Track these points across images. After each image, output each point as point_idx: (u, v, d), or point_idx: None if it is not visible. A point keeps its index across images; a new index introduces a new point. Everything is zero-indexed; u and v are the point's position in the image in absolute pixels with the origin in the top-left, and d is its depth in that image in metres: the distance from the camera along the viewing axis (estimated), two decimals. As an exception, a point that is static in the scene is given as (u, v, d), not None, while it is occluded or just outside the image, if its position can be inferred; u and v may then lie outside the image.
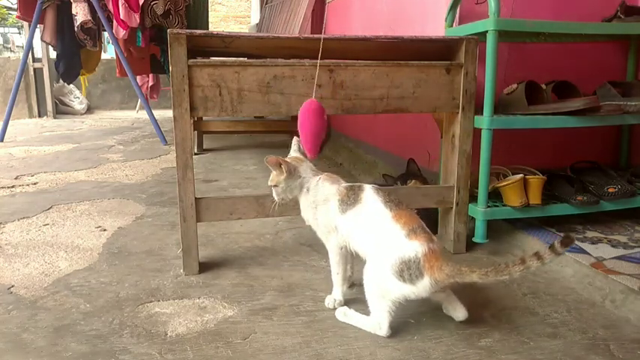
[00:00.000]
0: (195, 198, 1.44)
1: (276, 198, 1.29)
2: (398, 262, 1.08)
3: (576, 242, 1.59)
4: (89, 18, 3.89)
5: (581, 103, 1.58)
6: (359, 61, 1.48)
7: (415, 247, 1.08)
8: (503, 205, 1.65)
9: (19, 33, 10.26)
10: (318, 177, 1.28)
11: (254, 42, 1.60)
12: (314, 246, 1.69)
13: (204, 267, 1.52)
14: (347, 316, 1.20)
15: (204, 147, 3.67)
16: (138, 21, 3.82)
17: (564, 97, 1.73)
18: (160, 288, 1.38)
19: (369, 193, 1.21)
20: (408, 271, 1.07)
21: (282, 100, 1.43)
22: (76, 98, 6.62)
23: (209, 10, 4.98)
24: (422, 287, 1.08)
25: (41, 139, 4.23)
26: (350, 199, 1.21)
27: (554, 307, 1.29)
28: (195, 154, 3.46)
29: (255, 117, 3.72)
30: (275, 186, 1.27)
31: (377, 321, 1.14)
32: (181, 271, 1.48)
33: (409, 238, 1.10)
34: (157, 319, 1.21)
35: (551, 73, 1.83)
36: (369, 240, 1.17)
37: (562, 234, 1.65)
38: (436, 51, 1.61)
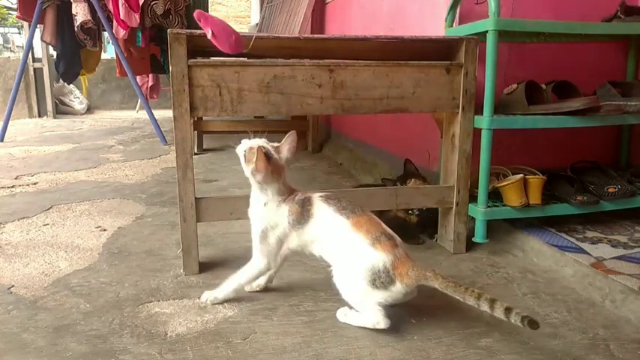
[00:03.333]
0: (195, 198, 1.44)
1: None
2: (368, 272, 1.12)
3: (576, 242, 1.60)
4: (89, 18, 3.89)
5: (581, 103, 1.58)
6: (359, 61, 1.48)
7: (382, 258, 1.11)
8: (503, 205, 1.65)
9: (19, 33, 10.24)
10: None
11: (254, 42, 1.60)
12: (314, 246, 1.69)
13: (204, 267, 1.52)
14: (347, 316, 1.20)
15: (204, 147, 3.68)
16: (138, 21, 3.82)
17: (564, 97, 1.73)
18: (160, 288, 1.38)
19: (320, 205, 1.21)
20: (380, 279, 1.11)
21: (282, 100, 1.43)
22: (76, 98, 6.61)
23: (209, 10, 4.98)
24: (396, 291, 1.13)
25: (41, 139, 4.23)
26: (303, 216, 1.21)
27: (554, 307, 1.29)
28: (195, 154, 3.46)
29: (255, 117, 3.72)
30: None
31: (373, 319, 1.14)
32: (181, 271, 1.48)
33: (374, 247, 1.12)
34: (157, 319, 1.21)
35: (551, 73, 1.83)
36: (334, 250, 1.19)
37: (563, 233, 1.66)
38: (436, 51, 1.61)
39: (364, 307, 1.15)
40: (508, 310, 1.02)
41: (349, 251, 1.15)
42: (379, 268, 1.11)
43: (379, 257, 1.12)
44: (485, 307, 1.04)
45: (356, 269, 1.13)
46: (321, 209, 1.21)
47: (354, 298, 1.16)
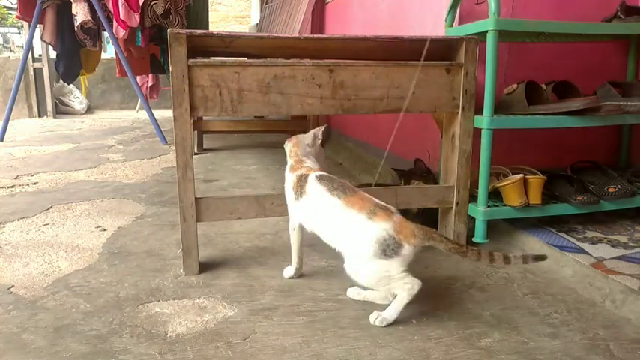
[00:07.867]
0: (195, 198, 1.44)
1: None
2: (376, 245, 1.14)
3: (576, 242, 1.60)
4: (89, 18, 3.89)
5: (581, 103, 1.58)
6: (359, 61, 1.48)
7: (382, 226, 1.14)
8: (504, 205, 1.65)
9: (19, 33, 10.25)
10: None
11: (254, 42, 1.60)
12: (314, 246, 1.69)
13: (204, 267, 1.52)
14: (365, 294, 1.26)
15: (204, 147, 3.68)
16: (138, 21, 3.82)
17: (564, 97, 1.73)
18: (160, 288, 1.38)
19: (313, 184, 1.28)
20: (389, 247, 1.13)
21: (282, 100, 1.43)
22: (76, 98, 6.62)
23: (209, 10, 4.98)
24: (407, 254, 1.15)
25: (41, 139, 4.23)
26: (299, 190, 1.33)
27: (554, 307, 1.29)
28: (195, 154, 3.46)
29: (255, 117, 3.72)
30: None
31: (407, 286, 1.16)
32: (181, 271, 1.48)
33: (372, 220, 1.15)
34: (157, 319, 1.21)
35: (551, 73, 1.83)
36: (335, 233, 1.23)
37: (563, 233, 1.66)
38: (436, 51, 1.60)
39: (390, 283, 1.17)
40: (506, 258, 1.17)
41: (350, 232, 1.18)
42: (384, 236, 1.13)
43: (379, 226, 1.14)
44: (485, 261, 1.18)
45: (363, 247, 1.15)
46: (314, 188, 1.28)
47: (374, 281, 1.18)
